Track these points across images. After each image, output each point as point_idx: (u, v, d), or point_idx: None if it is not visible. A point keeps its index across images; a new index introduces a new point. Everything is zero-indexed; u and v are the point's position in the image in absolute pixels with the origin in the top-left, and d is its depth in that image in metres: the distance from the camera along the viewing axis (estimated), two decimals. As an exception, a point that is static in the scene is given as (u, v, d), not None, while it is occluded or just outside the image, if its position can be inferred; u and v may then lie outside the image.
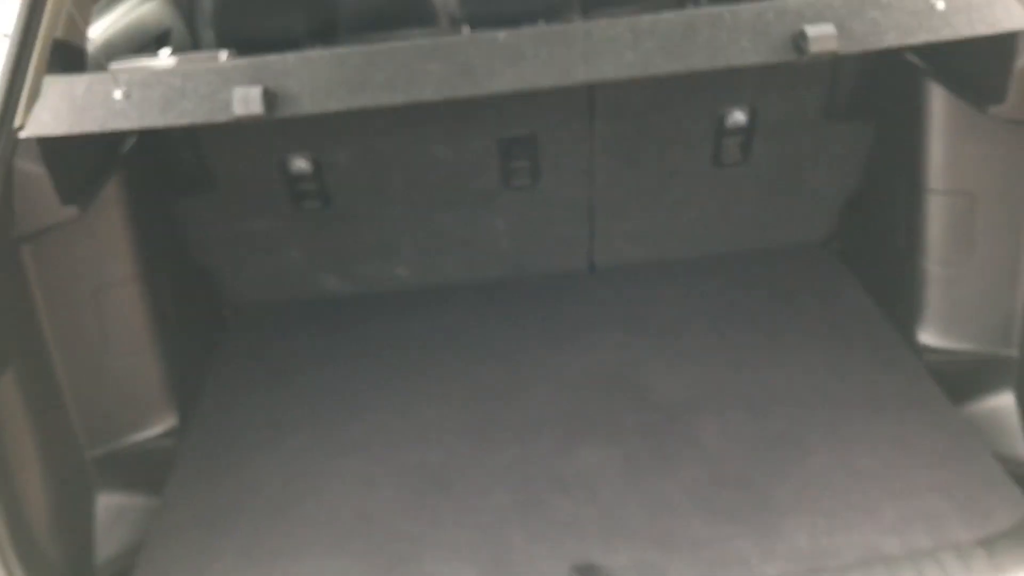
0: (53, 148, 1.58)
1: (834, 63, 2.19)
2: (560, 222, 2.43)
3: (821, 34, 1.48)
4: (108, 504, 1.91)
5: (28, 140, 1.54)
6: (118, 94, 1.47)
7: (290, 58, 1.50)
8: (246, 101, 1.46)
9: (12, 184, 1.51)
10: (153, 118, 1.49)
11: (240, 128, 2.13)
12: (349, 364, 2.26)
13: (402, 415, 2.06)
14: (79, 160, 1.71)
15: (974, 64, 1.72)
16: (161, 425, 2.03)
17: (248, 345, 2.38)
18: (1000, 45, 1.60)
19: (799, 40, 1.48)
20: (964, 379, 2.01)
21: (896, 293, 2.16)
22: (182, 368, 2.11)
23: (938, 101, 1.96)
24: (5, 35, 1.49)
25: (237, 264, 2.42)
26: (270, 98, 1.47)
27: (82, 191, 1.68)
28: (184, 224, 2.31)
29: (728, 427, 1.93)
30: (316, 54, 1.52)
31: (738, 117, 2.26)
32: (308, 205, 2.32)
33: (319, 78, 1.46)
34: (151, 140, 2.04)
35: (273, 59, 1.50)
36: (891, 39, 1.52)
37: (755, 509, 1.71)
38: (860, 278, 2.38)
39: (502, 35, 1.44)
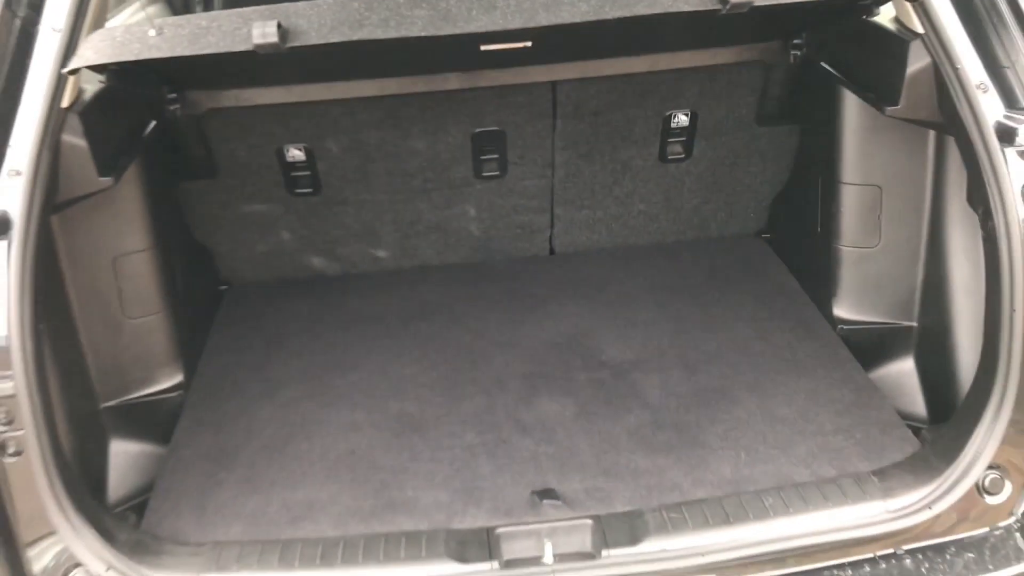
0: (92, 125, 1.84)
1: (765, 74, 2.51)
2: (524, 210, 2.72)
3: None
4: (119, 450, 2.17)
5: (73, 117, 1.79)
6: (152, 32, 1.68)
7: (301, 3, 1.70)
8: (264, 33, 1.62)
9: (59, 154, 1.76)
10: (182, 48, 1.67)
11: (242, 118, 2.41)
12: (334, 331, 2.53)
13: (382, 373, 2.34)
14: (112, 138, 1.97)
15: (875, 72, 2.04)
16: (168, 381, 2.29)
17: (242, 316, 2.64)
18: (895, 55, 1.92)
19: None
20: (872, 346, 2.33)
21: (815, 273, 2.48)
22: (187, 332, 2.37)
23: (850, 106, 2.28)
24: (55, 29, 1.75)
25: (234, 244, 2.68)
26: (283, 31, 1.64)
27: (114, 166, 1.94)
28: (188, 206, 2.56)
29: (667, 382, 2.23)
30: (331, 3, 1.73)
31: (681, 119, 2.57)
32: (301, 191, 2.59)
33: (325, 17, 1.66)
34: (164, 128, 2.31)
35: (287, 4, 1.71)
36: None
37: (688, 447, 2.01)
38: (786, 262, 2.70)
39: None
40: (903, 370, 2.31)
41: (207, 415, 2.23)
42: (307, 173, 2.55)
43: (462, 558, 1.72)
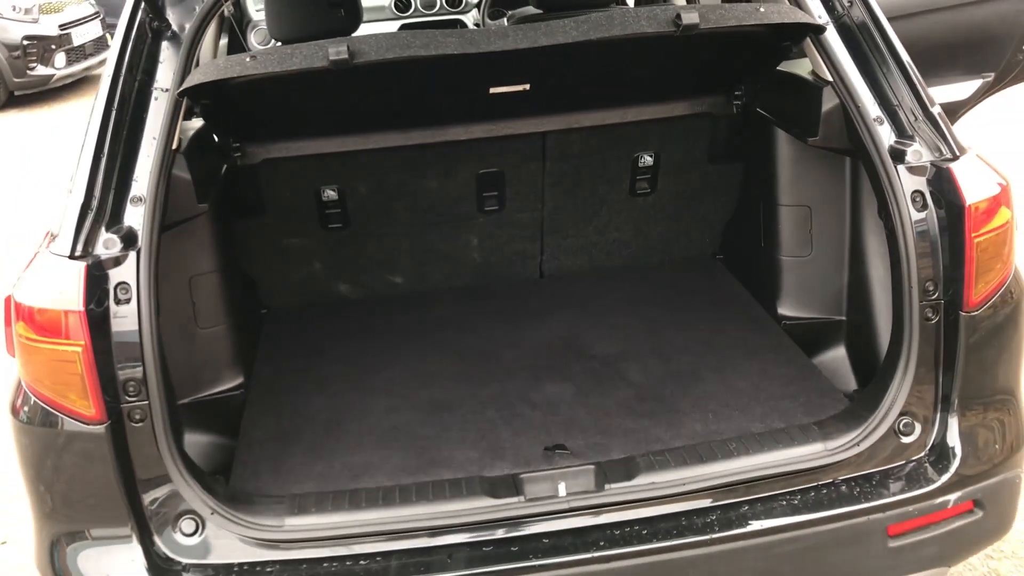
0: (192, 163, 2.32)
1: (713, 122, 3.07)
2: (519, 239, 3.23)
3: (690, 19, 2.15)
4: (191, 441, 2.60)
5: (180, 157, 2.27)
6: (247, 59, 2.13)
7: (363, 35, 2.17)
8: (337, 52, 2.05)
9: (170, 185, 2.23)
10: (273, 67, 2.11)
11: (289, 166, 2.91)
12: (365, 341, 3.00)
13: (411, 370, 2.81)
14: (203, 175, 2.45)
15: (798, 112, 2.59)
16: (231, 382, 2.73)
17: (284, 332, 3.10)
18: (812, 98, 2.47)
19: (677, 21, 2.15)
20: (811, 338, 2.85)
21: (761, 281, 3.00)
22: (245, 341, 2.83)
23: (782, 142, 2.83)
24: (164, 90, 2.23)
25: (274, 273, 3.15)
26: (351, 52, 2.07)
27: (206, 197, 2.42)
28: (237, 240, 3.04)
29: (646, 368, 2.72)
30: (380, 33, 2.18)
31: (647, 159, 3.11)
32: (333, 226, 3.08)
33: (381, 42, 2.10)
34: (229, 173, 2.80)
35: (353, 36, 2.18)
36: (731, 23, 2.23)
37: (666, 412, 2.50)
38: (737, 277, 3.23)
39: (494, 25, 2.18)
40: (836, 356, 2.83)
41: (268, 406, 2.67)
42: (338, 211, 3.04)
43: (495, 495, 2.17)
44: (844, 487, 2.23)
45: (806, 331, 2.86)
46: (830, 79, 2.40)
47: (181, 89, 2.16)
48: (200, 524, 2.13)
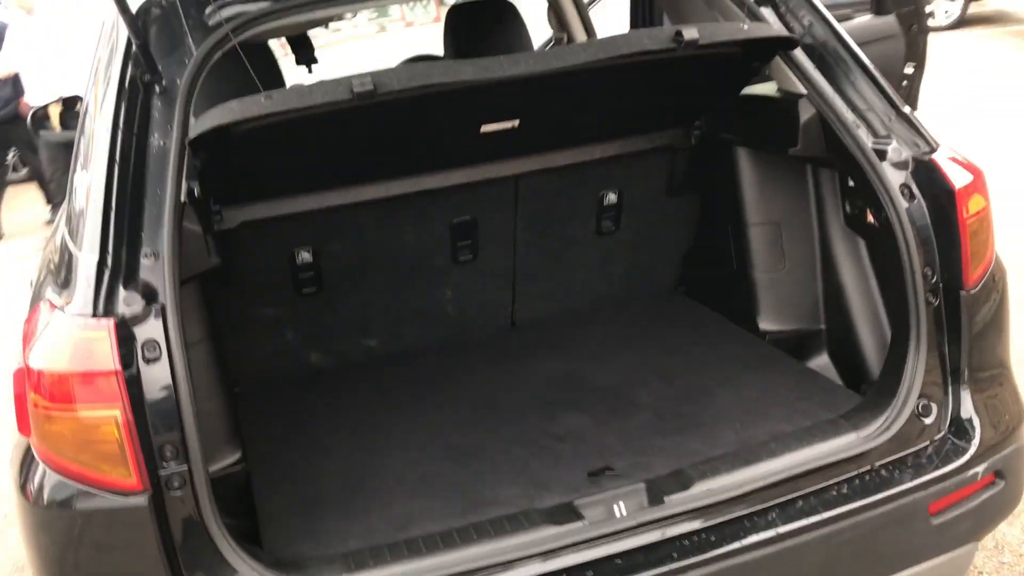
0: (201, 216, 2.21)
1: (671, 155, 3.17)
2: (491, 288, 3.21)
3: (690, 35, 2.24)
4: None
5: (189, 208, 2.16)
6: (262, 99, 2.06)
7: (385, 69, 2.15)
8: (362, 83, 2.03)
9: (182, 238, 2.11)
10: (292, 104, 2.05)
11: (266, 228, 2.81)
12: (355, 407, 2.88)
13: (416, 423, 2.72)
14: (207, 228, 2.33)
15: (774, 127, 2.71)
16: (231, 457, 2.56)
17: (260, 407, 2.94)
18: (788, 112, 2.60)
19: (678, 38, 2.24)
20: (794, 348, 2.94)
21: (737, 300, 3.09)
22: (237, 414, 2.66)
23: (745, 165, 2.96)
24: (161, 144, 2.13)
25: (244, 346, 3.00)
26: (376, 83, 2.05)
27: (215, 250, 2.30)
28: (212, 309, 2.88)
29: (653, 391, 2.74)
30: (400, 66, 2.16)
31: (611, 197, 3.18)
32: (307, 291, 2.97)
33: (402, 74, 2.10)
34: None
35: (373, 70, 2.15)
36: (722, 37, 2.34)
37: (692, 427, 2.51)
38: (704, 303, 3.31)
39: (501, 58, 2.19)
40: (821, 364, 2.92)
41: (278, 477, 2.51)
42: (312, 274, 2.94)
43: (558, 523, 2.10)
44: (884, 472, 2.29)
45: (789, 342, 2.96)
46: (804, 92, 2.55)
47: (196, 134, 2.07)
48: None
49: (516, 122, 2.57)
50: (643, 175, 3.19)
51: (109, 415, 1.86)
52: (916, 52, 4.05)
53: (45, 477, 1.94)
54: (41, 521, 1.97)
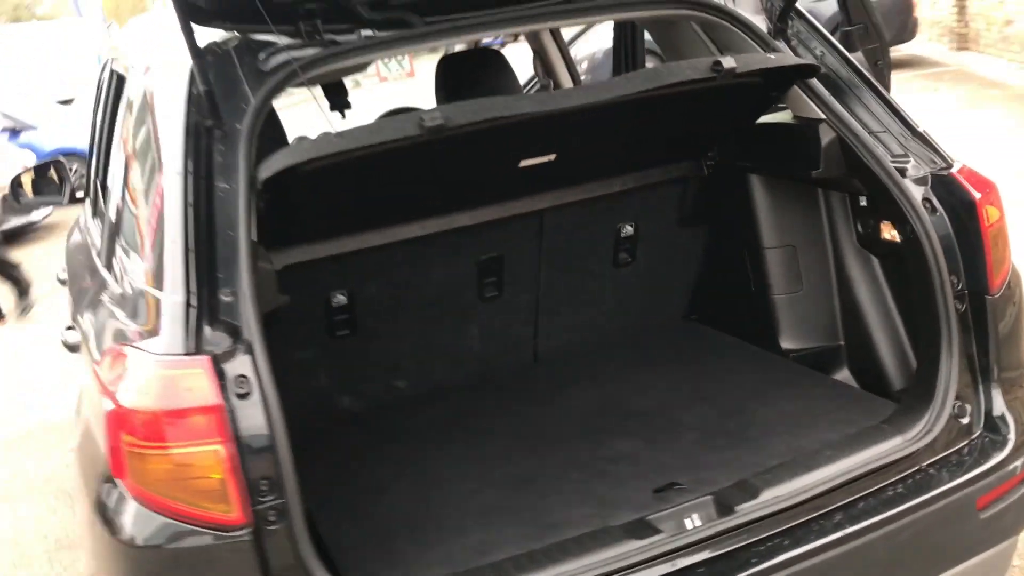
0: (267, 257, 2.25)
1: (684, 187, 3.30)
2: (515, 324, 3.27)
3: (728, 64, 2.39)
4: None
5: (260, 247, 2.19)
6: (333, 136, 2.13)
7: (447, 105, 2.27)
8: (432, 117, 2.12)
9: (259, 275, 2.14)
10: (364, 141, 2.15)
11: (303, 271, 2.84)
12: (394, 442, 2.89)
13: (463, 457, 2.75)
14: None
15: (793, 153, 2.85)
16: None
17: (298, 446, 2.93)
18: (808, 136, 2.74)
19: (716, 67, 2.39)
20: (815, 366, 3.06)
21: (757, 322, 3.20)
22: None
23: (759, 192, 3.10)
24: (226, 186, 2.17)
25: (280, 389, 2.99)
26: (445, 117, 2.14)
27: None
28: None
29: (696, 412, 2.81)
30: (463, 103, 2.29)
31: (628, 229, 3.29)
32: (340, 333, 2.99)
33: (466, 108, 2.19)
34: None
35: (437, 106, 2.27)
36: (757, 65, 2.51)
37: (742, 443, 2.59)
38: (718, 328, 3.41)
39: (554, 92, 2.30)
40: (842, 378, 3.03)
41: (339, 513, 2.51)
42: (346, 316, 2.97)
43: (640, 537, 2.16)
44: (932, 471, 2.40)
45: (810, 360, 3.07)
46: (822, 116, 2.69)
47: (272, 172, 2.12)
48: None
49: (553, 156, 2.66)
50: (657, 206, 3.30)
51: (211, 450, 1.87)
52: (882, 85, 4.31)
53: (140, 517, 1.93)
54: (136, 561, 1.96)
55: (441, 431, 2.95)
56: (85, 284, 2.99)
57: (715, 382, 3.00)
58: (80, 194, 4.56)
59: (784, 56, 2.60)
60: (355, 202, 2.66)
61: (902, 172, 2.56)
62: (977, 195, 2.52)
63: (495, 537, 2.30)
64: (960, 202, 2.52)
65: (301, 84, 2.42)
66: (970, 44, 13.23)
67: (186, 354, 1.93)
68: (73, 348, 2.73)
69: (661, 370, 3.16)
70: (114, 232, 2.62)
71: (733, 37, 2.76)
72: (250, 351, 1.98)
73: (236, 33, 2.39)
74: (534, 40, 4.27)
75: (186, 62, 2.29)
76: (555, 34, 4.20)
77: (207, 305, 2.01)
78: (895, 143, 2.63)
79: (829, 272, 3.04)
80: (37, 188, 4.79)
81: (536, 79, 4.48)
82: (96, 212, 3.57)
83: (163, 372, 1.92)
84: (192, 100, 2.24)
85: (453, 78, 3.41)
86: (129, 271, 2.30)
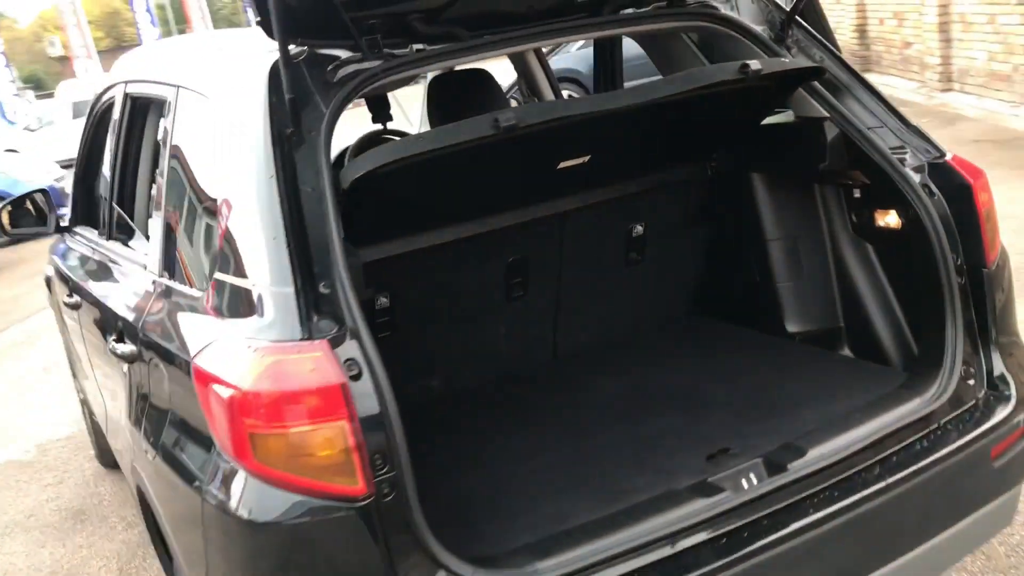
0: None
1: (687, 188, 3.54)
2: (537, 323, 3.45)
3: (754, 67, 2.63)
4: None
5: (348, 244, 2.33)
6: (415, 138, 2.32)
7: (516, 107, 2.45)
8: (507, 118, 2.32)
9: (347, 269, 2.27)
10: (445, 141, 2.35)
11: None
12: (434, 437, 3.01)
13: (510, 446, 2.90)
14: None
15: (802, 148, 3.11)
16: None
17: None
18: (814, 134, 3.01)
19: (744, 70, 2.63)
20: (819, 345, 3.32)
21: (763, 309, 3.45)
22: None
23: (760, 189, 3.37)
24: (311, 189, 2.31)
25: None
26: (517, 117, 2.34)
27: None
28: None
29: (724, 390, 3.03)
30: (528, 105, 2.46)
31: (639, 229, 3.51)
32: (382, 335, 3.11)
33: (534, 110, 2.45)
34: None
35: (507, 108, 2.47)
36: (778, 68, 2.77)
37: (776, 414, 2.80)
38: (724, 319, 3.65)
39: (605, 94, 2.51)
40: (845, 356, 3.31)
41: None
42: (387, 318, 3.10)
43: (707, 496, 2.36)
44: (950, 426, 2.66)
45: (813, 341, 3.33)
46: (826, 115, 2.97)
47: (361, 173, 2.27)
48: None
49: (587, 157, 2.87)
50: (664, 207, 3.53)
51: (338, 426, 2.00)
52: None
53: (266, 496, 2.04)
54: (261, 538, 2.06)
55: (484, 423, 3.11)
56: (127, 299, 3.07)
57: (733, 365, 3.23)
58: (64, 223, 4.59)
59: (798, 60, 2.88)
60: (405, 207, 2.81)
61: (901, 162, 2.84)
62: (971, 180, 2.81)
63: (569, 507, 2.47)
64: (956, 186, 2.81)
65: (366, 94, 2.58)
66: (872, 66, 14.01)
67: (303, 339, 2.06)
68: (131, 358, 2.80)
69: (678, 359, 3.38)
70: (183, 242, 2.71)
71: (739, 46, 3.02)
72: (356, 336, 2.12)
73: (303, 48, 2.54)
74: (519, 61, 4.49)
75: (256, 76, 2.44)
76: (538, 53, 4.43)
77: (312, 296, 2.15)
78: (892, 136, 2.92)
79: (827, 260, 3.31)
80: (14, 222, 4.79)
81: (514, 87, 4.70)
82: (112, 233, 3.64)
83: (286, 357, 2.04)
84: (272, 110, 2.38)
85: (446, 97, 3.59)
86: (214, 273, 2.40)
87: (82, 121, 4.63)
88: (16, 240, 6.99)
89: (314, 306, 2.14)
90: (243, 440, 2.04)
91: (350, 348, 2.10)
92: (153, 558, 4.48)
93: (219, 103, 2.59)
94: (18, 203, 4.80)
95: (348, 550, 2.06)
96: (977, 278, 2.79)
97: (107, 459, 5.44)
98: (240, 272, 2.28)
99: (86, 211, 4.51)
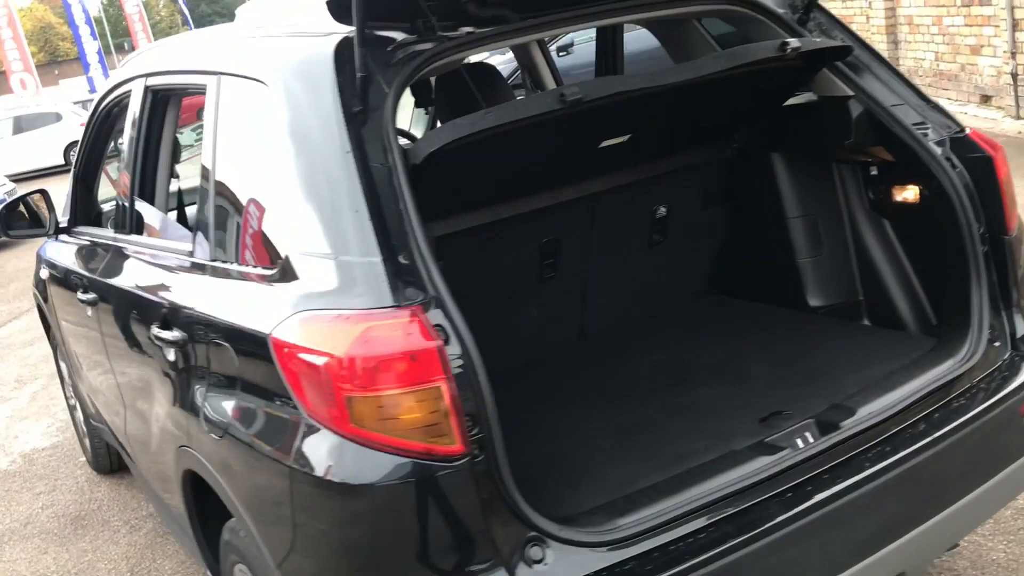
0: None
1: (706, 169, 3.64)
2: (566, 304, 3.52)
3: (793, 45, 2.77)
4: None
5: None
6: (484, 113, 2.40)
7: (580, 81, 2.54)
8: (572, 92, 2.42)
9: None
10: (510, 116, 2.44)
11: None
12: None
13: (553, 421, 2.96)
14: None
15: (826, 127, 3.23)
16: None
17: None
18: (839, 112, 3.13)
19: (785, 47, 2.77)
20: (841, 317, 3.44)
21: (783, 286, 3.56)
22: None
23: (780, 169, 3.48)
24: (381, 164, 2.35)
25: None
26: (583, 92, 2.43)
27: None
28: None
29: (758, 361, 3.12)
30: (589, 81, 2.59)
31: (662, 211, 3.60)
32: None
33: (597, 85, 2.52)
34: None
35: (571, 84, 2.54)
36: (813, 46, 2.90)
37: (811, 380, 2.89)
38: (745, 296, 3.76)
39: (655, 72, 2.61)
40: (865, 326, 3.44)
41: None
42: None
43: (768, 454, 2.45)
44: (982, 385, 2.79)
45: (835, 314, 3.45)
46: (851, 93, 3.09)
47: (436, 147, 2.33)
48: (545, 547, 2.18)
49: (627, 137, 2.95)
50: (686, 188, 3.63)
51: (435, 387, 2.05)
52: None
53: (365, 458, 2.08)
54: (356, 502, 2.10)
55: (527, 399, 3.16)
56: (170, 287, 3.08)
57: (763, 339, 3.33)
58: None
59: (828, 40, 3.00)
60: (451, 188, 2.87)
61: (924, 136, 2.98)
62: (992, 152, 2.96)
63: (634, 470, 2.54)
64: (977, 158, 2.95)
65: (426, 75, 2.63)
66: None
67: (394, 307, 2.10)
68: (181, 343, 2.81)
69: (707, 335, 3.47)
70: (244, 224, 2.71)
71: (764, 28, 3.13)
72: (440, 304, 2.17)
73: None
74: (522, 53, 4.56)
75: (318, 58, 2.50)
76: (541, 44, 4.51)
77: (395, 268, 2.20)
78: (913, 113, 3.05)
79: (846, 236, 3.43)
80: (8, 224, 4.75)
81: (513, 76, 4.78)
82: (130, 225, 3.62)
83: (381, 322, 2.09)
84: (341, 89, 2.42)
85: (454, 91, 3.65)
86: (287, 250, 2.42)
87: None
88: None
89: (399, 276, 2.19)
90: (340, 405, 2.08)
91: (436, 315, 2.15)
92: (164, 558, 4.47)
93: (280, 87, 2.61)
94: (12, 206, 4.76)
95: (444, 510, 2.10)
96: (999, 245, 2.93)
97: (102, 463, 5.38)
98: (321, 246, 2.31)
99: (86, 211, 4.48)
